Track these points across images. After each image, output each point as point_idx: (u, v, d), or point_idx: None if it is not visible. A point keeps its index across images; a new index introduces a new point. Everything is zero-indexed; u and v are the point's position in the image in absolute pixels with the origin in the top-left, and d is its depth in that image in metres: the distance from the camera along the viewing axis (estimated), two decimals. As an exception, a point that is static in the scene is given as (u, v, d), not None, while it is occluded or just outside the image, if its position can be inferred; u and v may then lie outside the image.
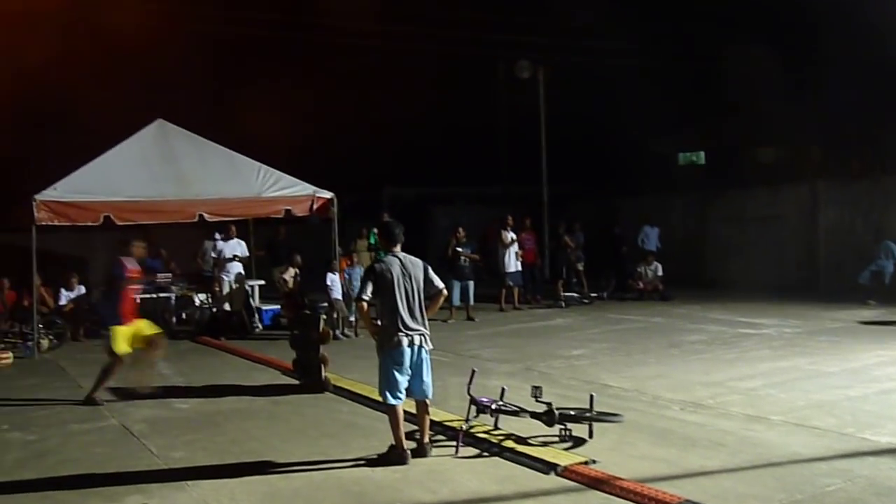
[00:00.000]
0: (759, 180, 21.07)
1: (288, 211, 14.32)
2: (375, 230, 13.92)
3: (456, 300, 14.84)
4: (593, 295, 17.23)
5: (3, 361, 11.74)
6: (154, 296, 14.30)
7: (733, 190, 20.50)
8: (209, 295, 14.79)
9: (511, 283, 16.19)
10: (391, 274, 6.39)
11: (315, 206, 14.37)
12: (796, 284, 17.52)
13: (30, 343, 12.55)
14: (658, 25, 26.81)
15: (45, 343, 12.77)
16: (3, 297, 13.86)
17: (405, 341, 6.34)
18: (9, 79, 17.76)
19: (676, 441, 6.69)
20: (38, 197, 12.35)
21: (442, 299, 6.74)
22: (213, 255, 14.77)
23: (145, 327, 9.22)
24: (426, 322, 6.51)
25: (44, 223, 12.36)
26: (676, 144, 29.03)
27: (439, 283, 6.64)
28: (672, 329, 13.07)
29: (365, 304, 6.46)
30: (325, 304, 12.92)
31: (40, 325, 12.89)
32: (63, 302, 14.14)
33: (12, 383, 10.40)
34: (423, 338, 6.44)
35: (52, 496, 5.84)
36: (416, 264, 6.54)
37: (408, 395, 6.49)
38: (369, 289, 6.40)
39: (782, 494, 5.36)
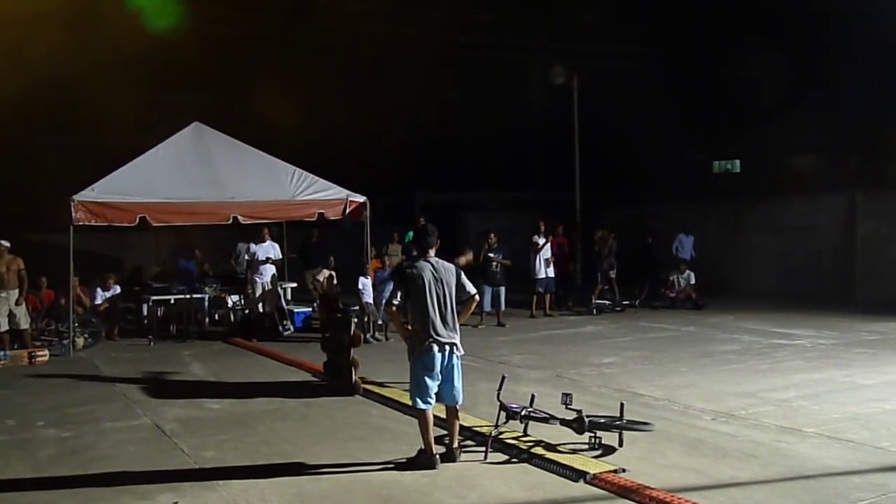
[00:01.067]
0: (795, 189, 20.81)
1: (321, 214, 14.41)
2: (412, 231, 13.98)
3: (487, 306, 14.82)
4: (625, 303, 17.12)
5: (40, 359, 11.93)
6: (188, 297, 14.46)
7: (769, 198, 20.27)
8: (242, 296, 14.92)
9: (542, 290, 16.14)
10: (422, 279, 6.40)
11: (348, 210, 14.46)
12: (832, 295, 17.26)
13: (65, 341, 12.75)
14: (695, 32, 26.60)
15: (80, 342, 12.96)
16: (41, 295, 14.10)
17: (436, 346, 6.35)
18: (45, 80, 18.06)
19: (707, 451, 6.63)
20: (77, 197, 12.56)
21: (474, 305, 6.74)
22: (246, 257, 14.92)
23: None
24: (457, 327, 6.52)
25: (81, 223, 12.56)
26: (711, 152, 28.82)
27: (471, 289, 6.64)
28: (704, 338, 12.94)
29: (394, 309, 6.48)
30: (357, 308, 12.98)
31: (76, 324, 13.09)
32: (99, 301, 14.34)
33: (48, 381, 10.57)
34: (454, 343, 6.44)
35: (86, 492, 5.93)
36: (448, 269, 6.55)
37: (438, 400, 6.50)
38: (399, 294, 6.42)
39: (815, 508, 5.29)
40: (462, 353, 6.52)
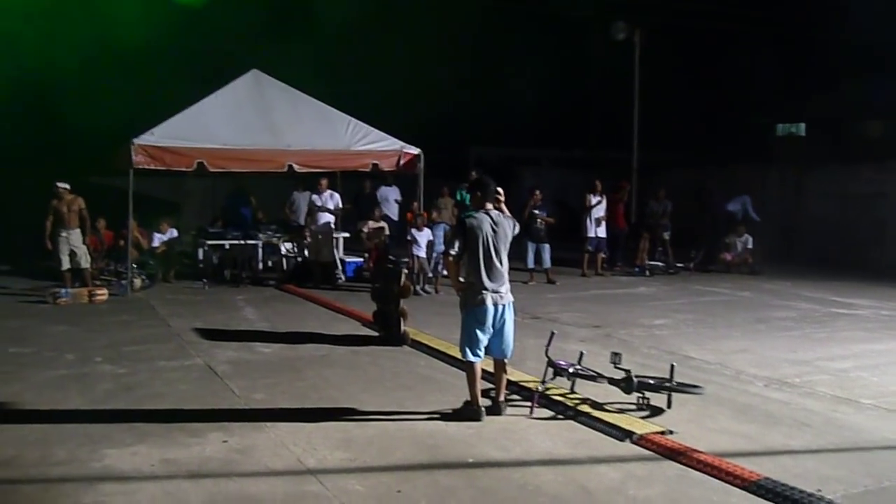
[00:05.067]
0: (863, 156, 20.12)
1: (375, 165, 14.41)
2: (464, 189, 13.89)
3: (530, 262, 14.74)
4: (679, 265, 16.86)
5: (99, 297, 12.24)
6: (242, 242, 14.64)
7: (834, 164, 19.64)
8: (295, 244, 15.06)
9: (591, 248, 15.98)
10: (481, 231, 6.34)
11: (402, 162, 14.42)
12: (896, 266, 16.76)
13: (124, 282, 13.04)
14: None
15: (137, 282, 13.25)
16: (101, 236, 14.41)
17: (490, 299, 6.31)
18: (114, 25, 18.21)
19: (758, 417, 6.51)
20: (137, 141, 12.73)
21: None
22: (304, 205, 15.02)
23: None
24: (508, 282, 6.47)
25: (140, 167, 12.75)
26: (776, 114, 27.98)
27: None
28: (760, 304, 12.68)
29: (452, 259, 6.45)
30: (407, 259, 12.99)
31: (134, 265, 13.36)
32: (156, 244, 14.61)
33: (106, 319, 10.85)
34: (508, 297, 6.40)
35: (139, 427, 6.08)
36: (506, 221, 6.48)
37: (487, 353, 6.48)
38: (457, 244, 6.38)
39: (868, 480, 5.16)
40: (512, 300, 6.47)
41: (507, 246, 6.46)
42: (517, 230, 6.59)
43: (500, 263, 6.37)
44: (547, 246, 14.88)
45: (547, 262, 14.93)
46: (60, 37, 17.74)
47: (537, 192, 15.27)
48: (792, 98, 27.09)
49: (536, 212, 14.94)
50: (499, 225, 6.41)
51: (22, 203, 14.82)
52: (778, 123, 28.47)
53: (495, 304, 6.32)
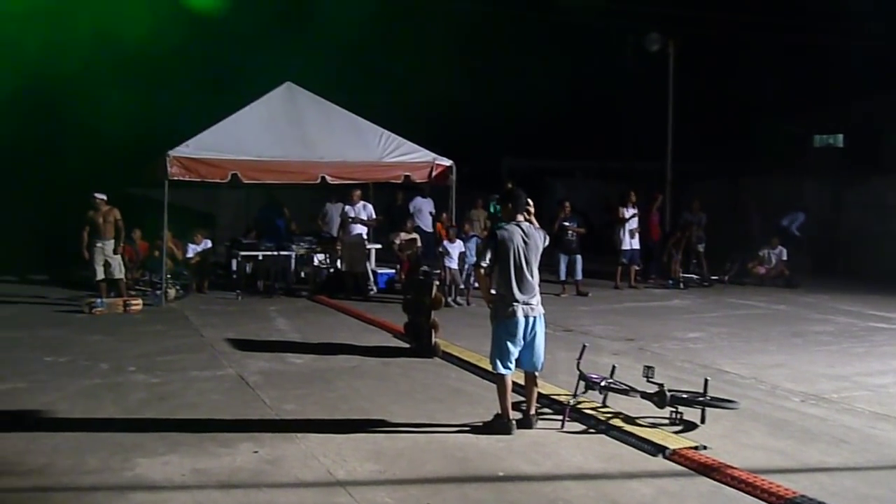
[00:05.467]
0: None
1: (407, 177, 14.45)
2: (496, 201, 13.87)
3: (562, 274, 14.67)
4: (714, 278, 16.65)
5: (134, 307, 12.39)
6: (276, 253, 14.74)
7: (873, 176, 19.31)
8: (328, 255, 15.14)
9: (626, 261, 15.86)
10: (511, 243, 6.32)
11: (434, 174, 14.45)
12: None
13: (158, 292, 13.19)
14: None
15: (172, 293, 13.39)
16: (136, 246, 14.59)
17: (520, 311, 6.27)
18: (142, 40, 18.43)
19: (794, 433, 6.39)
20: (172, 153, 12.90)
21: None
22: (337, 216, 15.10)
23: None
24: (539, 295, 6.43)
25: (175, 178, 12.90)
26: (813, 125, 27.59)
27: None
28: (797, 317, 12.48)
29: (483, 271, 6.43)
30: (439, 271, 12.99)
31: (168, 276, 13.51)
32: (190, 255, 14.77)
33: (140, 328, 10.97)
34: (539, 309, 6.36)
35: (171, 437, 6.12)
36: (536, 233, 6.44)
37: (518, 366, 6.44)
38: (488, 256, 6.36)
39: (909, 499, 5.04)
40: (543, 312, 6.43)
41: (538, 258, 6.44)
42: (547, 242, 6.57)
43: (531, 275, 6.34)
44: (579, 257, 14.79)
45: (579, 274, 14.85)
46: (83, 47, 17.99)
47: (567, 204, 15.20)
48: (830, 108, 26.69)
49: (567, 223, 14.87)
50: (530, 237, 6.38)
51: (54, 213, 15.09)
52: (815, 134, 28.09)
53: (526, 316, 6.29)
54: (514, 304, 6.27)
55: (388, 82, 23.54)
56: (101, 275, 12.83)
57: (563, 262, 14.64)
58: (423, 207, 16.91)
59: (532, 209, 6.58)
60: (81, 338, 10.20)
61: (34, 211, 16.25)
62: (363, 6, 23.25)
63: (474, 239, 14.42)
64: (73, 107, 19.23)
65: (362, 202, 14.80)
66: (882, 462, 5.76)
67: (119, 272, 13.01)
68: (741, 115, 27.32)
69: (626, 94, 30.62)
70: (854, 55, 24.54)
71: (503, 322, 6.32)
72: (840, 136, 27.58)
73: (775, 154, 25.19)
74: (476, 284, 12.17)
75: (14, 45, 16.60)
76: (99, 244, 12.79)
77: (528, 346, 6.36)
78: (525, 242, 6.35)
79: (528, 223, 6.48)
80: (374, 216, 14.94)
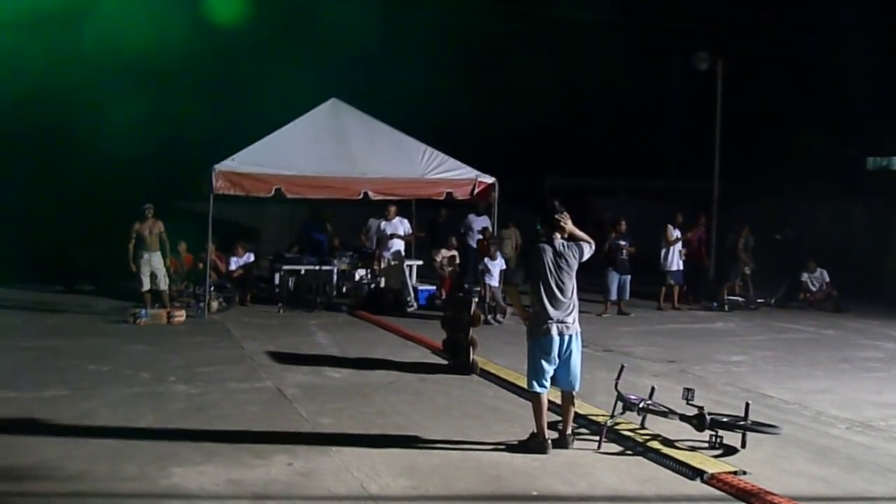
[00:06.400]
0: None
1: (449, 194, 14.45)
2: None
3: (613, 294, 14.55)
4: (760, 301, 16.35)
5: (177, 319, 12.55)
6: (318, 268, 14.85)
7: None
8: (369, 271, 15.20)
9: (672, 282, 15.66)
10: (543, 260, 6.29)
11: (476, 191, 14.43)
12: None
13: (201, 304, 13.35)
14: (853, 15, 24.94)
15: (214, 305, 13.54)
16: (181, 259, 14.82)
17: (555, 329, 6.23)
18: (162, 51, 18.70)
19: (839, 461, 6.22)
20: (218, 167, 13.08)
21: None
22: (375, 233, 15.17)
23: None
24: (576, 314, 6.36)
25: (221, 192, 13.08)
26: (866, 147, 27.05)
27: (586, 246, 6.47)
28: (844, 343, 12.18)
29: (514, 288, 6.41)
30: (479, 288, 12.95)
31: (212, 288, 13.68)
32: (233, 268, 14.94)
33: (183, 339, 11.11)
34: (574, 327, 6.30)
35: (207, 447, 6.17)
36: (572, 252, 6.37)
37: (554, 385, 6.38)
38: (521, 273, 6.35)
39: (958, 532, 4.86)
40: (579, 329, 6.36)
41: (573, 275, 6.36)
42: (590, 253, 6.46)
43: (565, 293, 6.28)
44: (629, 277, 14.67)
45: (626, 294, 14.72)
46: (100, 57, 18.33)
47: (622, 222, 15.10)
48: (886, 131, 26.13)
49: (622, 242, 14.77)
50: (562, 255, 6.33)
51: (99, 224, 15.39)
52: (869, 157, 27.53)
53: (560, 334, 6.23)
54: (549, 321, 6.22)
55: (429, 99, 23.61)
56: (147, 286, 13.04)
57: (615, 280, 14.52)
58: (474, 225, 16.70)
59: (565, 221, 6.47)
60: (125, 347, 10.36)
61: (80, 222, 16.55)
62: (400, 22, 23.48)
63: (500, 259, 14.12)
64: (112, 120, 19.58)
65: (398, 217, 14.84)
66: (930, 493, 5.58)
67: (164, 284, 13.22)
68: (792, 135, 26.88)
69: (672, 113, 30.39)
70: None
71: (537, 339, 6.28)
72: (895, 159, 26.99)
73: (825, 175, 24.74)
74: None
75: (27, 54, 16.99)
76: (146, 256, 13.01)
77: (564, 364, 6.31)
78: (556, 260, 6.30)
79: (562, 240, 6.42)
80: (410, 231, 14.96)
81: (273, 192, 13.42)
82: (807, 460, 6.23)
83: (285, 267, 15.05)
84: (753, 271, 16.79)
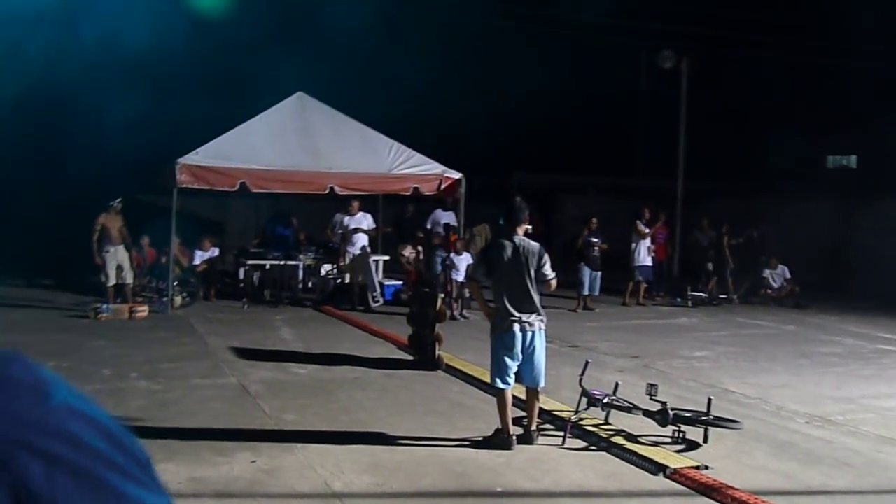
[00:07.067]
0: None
1: (416, 189, 14.43)
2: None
3: (586, 289, 14.64)
4: (722, 297, 16.56)
5: (140, 314, 12.39)
6: (283, 263, 14.75)
7: (886, 197, 19.19)
8: (335, 266, 15.13)
9: (640, 278, 15.79)
10: (503, 257, 6.30)
11: (443, 186, 14.42)
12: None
13: (164, 299, 13.20)
14: (811, 17, 25.32)
15: (178, 300, 13.39)
16: (144, 253, 14.63)
17: (517, 326, 6.24)
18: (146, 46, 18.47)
19: (798, 455, 6.31)
20: (182, 160, 12.93)
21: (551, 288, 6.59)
22: (340, 230, 15.11)
23: None
24: (540, 308, 6.38)
25: (185, 185, 12.93)
26: (827, 146, 27.50)
27: (549, 273, 6.46)
28: (804, 338, 12.38)
29: (476, 285, 6.42)
30: (445, 284, 12.96)
31: (175, 283, 13.52)
32: (197, 262, 14.78)
33: (145, 335, 10.97)
34: (537, 324, 6.32)
35: (169, 444, 6.08)
36: (531, 249, 6.40)
37: (518, 381, 6.40)
38: (481, 270, 6.36)
39: (913, 524, 4.96)
40: (543, 325, 6.38)
41: (533, 272, 6.36)
42: (548, 266, 6.46)
43: (527, 289, 6.30)
44: (600, 273, 14.78)
45: (596, 290, 14.83)
46: (85, 52, 18.05)
47: (593, 220, 15.19)
48: (844, 129, 26.59)
49: (594, 239, 14.86)
50: (523, 251, 6.34)
51: (62, 218, 15.12)
52: (829, 155, 28.00)
53: (523, 331, 6.25)
54: (511, 318, 6.23)
55: (398, 94, 23.53)
56: (113, 280, 12.88)
57: (587, 276, 14.62)
58: (442, 220, 16.71)
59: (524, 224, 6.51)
60: (86, 343, 10.20)
61: (42, 215, 16.26)
62: (370, 16, 23.34)
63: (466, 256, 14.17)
64: (76, 113, 19.30)
65: (361, 212, 14.81)
66: (886, 486, 5.68)
67: (129, 278, 13.06)
68: (755, 135, 27.23)
69: (640, 111, 30.62)
70: (869, 76, 24.46)
71: (500, 335, 6.30)
72: (854, 158, 27.47)
73: (788, 174, 25.09)
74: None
75: (17, 49, 16.67)
76: (112, 249, 12.84)
77: (528, 360, 6.32)
78: (517, 257, 6.31)
79: (523, 237, 6.44)
80: (374, 226, 14.94)
81: (238, 186, 13.30)
82: (767, 455, 6.31)
83: (250, 262, 14.93)
84: (732, 269, 16.96)
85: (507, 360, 6.27)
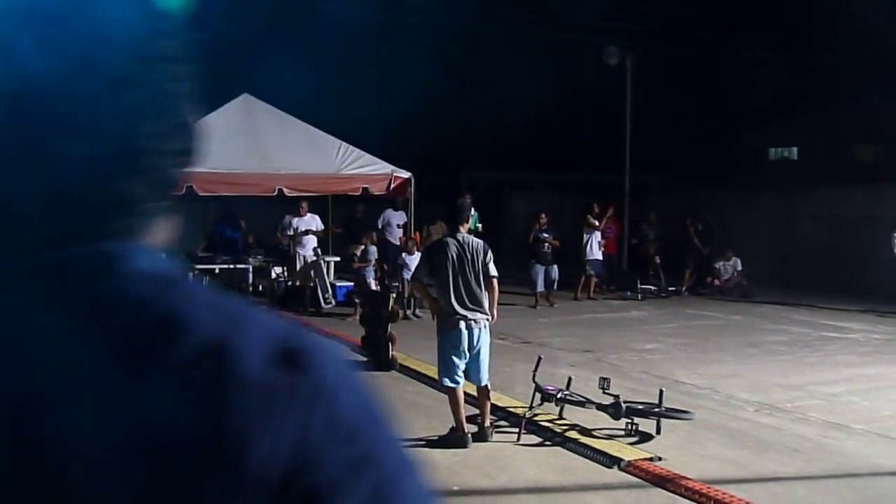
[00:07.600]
0: (855, 179, 20.16)
1: (365, 189, 14.34)
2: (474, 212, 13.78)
3: (540, 286, 14.66)
4: (671, 289, 16.79)
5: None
6: (232, 266, 14.54)
7: (826, 188, 19.67)
8: (285, 268, 14.97)
9: (591, 272, 15.89)
10: (446, 255, 6.29)
11: (392, 186, 14.35)
12: (889, 289, 16.67)
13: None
14: (751, 13, 25.87)
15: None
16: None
17: (462, 324, 6.23)
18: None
19: (748, 443, 6.42)
20: (125, 164, 12.65)
21: (496, 291, 6.57)
22: (289, 232, 14.96)
23: None
24: (486, 306, 6.38)
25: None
26: (768, 138, 28.11)
27: (493, 271, 6.47)
28: (752, 328, 12.61)
29: (421, 284, 6.42)
30: (397, 284, 12.92)
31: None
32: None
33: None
34: (483, 321, 6.32)
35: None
36: (475, 247, 6.40)
37: (466, 379, 6.39)
38: (424, 270, 6.36)
39: (860, 507, 5.07)
40: (488, 323, 6.38)
41: (479, 270, 6.35)
42: (489, 257, 6.47)
43: (472, 287, 6.29)
44: (555, 268, 14.79)
45: (554, 285, 14.85)
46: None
47: (543, 216, 15.21)
48: (785, 122, 27.21)
49: (544, 235, 14.88)
50: (467, 249, 6.33)
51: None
52: (771, 147, 28.61)
53: (469, 328, 6.24)
54: (456, 316, 6.23)
55: (345, 94, 23.47)
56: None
57: (539, 273, 14.62)
58: (392, 220, 16.61)
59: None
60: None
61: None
62: (320, 17, 23.22)
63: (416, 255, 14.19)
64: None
65: (310, 213, 14.69)
66: (834, 471, 5.80)
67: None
68: (699, 129, 27.72)
69: (586, 107, 30.91)
70: (808, 68, 25.06)
71: (445, 335, 6.30)
72: (794, 150, 28.12)
73: (732, 167, 25.57)
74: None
75: None
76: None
77: (474, 358, 6.33)
78: (461, 254, 6.30)
79: (466, 234, 6.45)
80: (322, 227, 14.84)
81: (183, 189, 13.01)
82: (718, 444, 6.40)
83: (199, 266, 14.68)
84: (663, 260, 17.20)
85: (455, 358, 6.26)
